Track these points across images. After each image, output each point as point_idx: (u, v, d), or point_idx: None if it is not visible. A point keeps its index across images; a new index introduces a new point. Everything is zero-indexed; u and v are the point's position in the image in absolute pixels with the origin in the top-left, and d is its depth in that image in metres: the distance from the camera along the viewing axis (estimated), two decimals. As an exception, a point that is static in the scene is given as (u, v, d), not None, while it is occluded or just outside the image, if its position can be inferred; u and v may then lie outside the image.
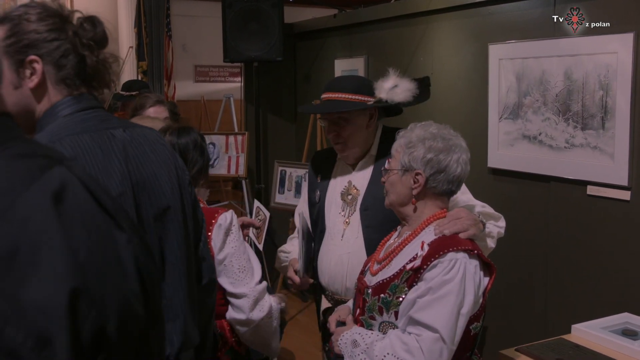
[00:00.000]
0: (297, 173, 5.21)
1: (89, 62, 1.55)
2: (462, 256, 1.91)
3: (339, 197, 2.56)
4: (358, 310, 2.09)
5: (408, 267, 1.95)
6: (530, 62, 3.49)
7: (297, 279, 2.58)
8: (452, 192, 2.10)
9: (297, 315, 5.44)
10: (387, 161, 2.18)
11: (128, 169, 1.54)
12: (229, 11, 5.31)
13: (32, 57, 1.49)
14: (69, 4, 6.33)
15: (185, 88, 7.77)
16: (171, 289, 1.61)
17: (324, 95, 2.56)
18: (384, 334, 1.97)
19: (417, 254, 1.96)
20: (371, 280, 2.09)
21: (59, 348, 0.71)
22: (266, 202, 5.59)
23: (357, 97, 2.48)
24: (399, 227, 2.20)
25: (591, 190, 3.23)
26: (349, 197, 2.53)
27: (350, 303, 2.28)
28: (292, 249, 2.75)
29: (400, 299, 1.94)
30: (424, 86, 2.55)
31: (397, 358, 1.85)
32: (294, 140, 6.07)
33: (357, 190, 2.52)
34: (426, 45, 4.35)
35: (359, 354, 1.94)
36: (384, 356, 1.87)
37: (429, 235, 2.02)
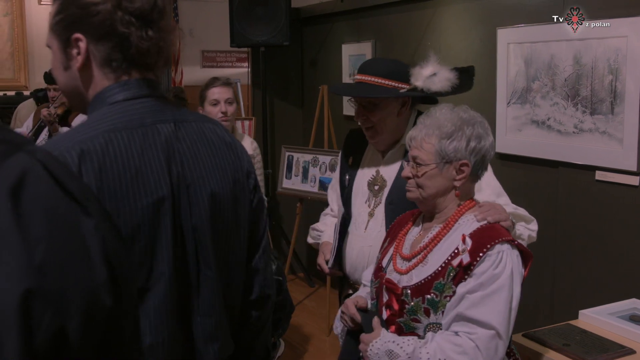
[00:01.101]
0: (304, 158, 5.20)
1: (134, 41, 1.35)
2: (506, 247, 1.82)
3: (365, 186, 2.48)
4: (387, 312, 1.94)
5: (454, 263, 1.81)
6: (539, 46, 3.46)
7: (326, 268, 2.52)
8: (479, 178, 1.99)
9: (304, 300, 5.46)
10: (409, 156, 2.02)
11: (169, 171, 1.37)
12: (235, -4, 5.29)
13: (77, 35, 1.35)
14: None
15: (192, 73, 7.74)
16: (207, 303, 1.45)
17: (356, 77, 2.45)
18: (422, 337, 1.85)
19: (458, 248, 1.84)
20: (401, 279, 1.94)
21: (9, 352, 0.68)
22: (273, 188, 5.59)
23: (389, 82, 2.37)
24: (419, 220, 2.06)
25: (599, 175, 3.21)
26: (376, 187, 2.45)
27: (362, 293, 2.17)
28: (324, 228, 2.68)
29: (449, 297, 1.82)
30: (467, 76, 2.42)
31: None
32: (301, 125, 6.06)
33: (384, 181, 2.43)
34: (434, 29, 4.31)
35: None
36: None
37: (465, 226, 1.89)
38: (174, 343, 1.39)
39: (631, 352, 2.22)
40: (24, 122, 5.16)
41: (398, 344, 1.81)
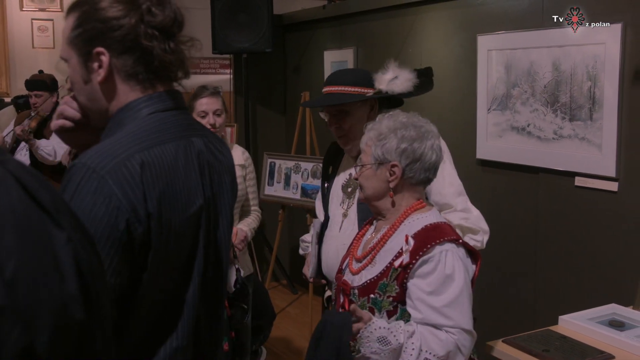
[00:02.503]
0: (286, 165, 5.19)
1: (158, 53, 1.36)
2: (450, 247, 1.90)
3: (340, 190, 2.59)
4: (342, 312, 2.02)
5: (396, 264, 1.91)
6: (519, 53, 3.48)
7: (308, 278, 2.68)
8: (429, 180, 2.05)
9: (287, 307, 5.44)
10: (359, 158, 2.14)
11: (202, 183, 1.42)
12: (217, 2, 5.27)
13: (99, 49, 1.35)
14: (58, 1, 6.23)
15: (175, 80, 7.76)
16: (217, 310, 1.52)
17: (324, 89, 2.57)
18: None
19: (402, 249, 1.92)
20: (353, 279, 2.03)
21: None
22: (256, 194, 5.56)
23: (356, 89, 2.49)
24: (374, 222, 2.14)
25: (579, 181, 3.23)
26: (349, 189, 2.54)
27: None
28: (310, 239, 2.79)
29: (391, 297, 1.90)
30: (427, 77, 2.53)
31: (435, 355, 1.86)
32: (284, 132, 6.05)
33: (357, 183, 2.53)
34: (415, 36, 4.33)
35: (388, 353, 1.87)
36: (422, 353, 1.86)
37: (410, 227, 1.97)
38: (192, 348, 1.43)
39: (610, 357, 2.22)
40: (4, 129, 5.13)
41: (392, 332, 1.87)
